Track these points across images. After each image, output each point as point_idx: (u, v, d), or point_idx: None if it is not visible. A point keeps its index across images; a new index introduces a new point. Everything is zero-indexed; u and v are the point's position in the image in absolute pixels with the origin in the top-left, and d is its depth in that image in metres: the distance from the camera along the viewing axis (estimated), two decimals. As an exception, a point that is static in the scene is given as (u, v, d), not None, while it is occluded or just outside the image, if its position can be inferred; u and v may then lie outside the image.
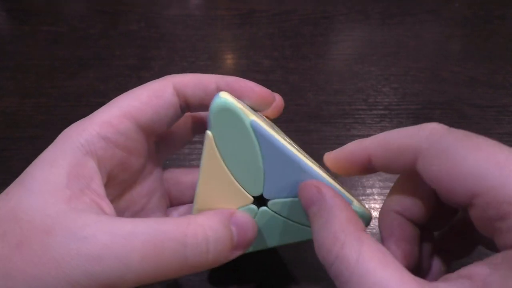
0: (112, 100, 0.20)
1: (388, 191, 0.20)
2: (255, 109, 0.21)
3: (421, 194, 0.18)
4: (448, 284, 0.14)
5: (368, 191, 0.32)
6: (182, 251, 0.17)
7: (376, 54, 0.46)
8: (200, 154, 0.20)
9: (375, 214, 0.31)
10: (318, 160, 0.20)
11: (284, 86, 0.42)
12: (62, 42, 0.47)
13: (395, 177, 0.20)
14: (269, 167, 0.19)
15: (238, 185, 0.20)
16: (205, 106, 0.21)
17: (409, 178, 0.19)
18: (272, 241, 0.22)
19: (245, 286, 0.27)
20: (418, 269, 0.19)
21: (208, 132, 0.19)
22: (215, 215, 0.19)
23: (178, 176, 0.25)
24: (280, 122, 0.24)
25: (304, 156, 0.19)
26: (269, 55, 0.46)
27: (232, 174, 0.20)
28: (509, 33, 0.49)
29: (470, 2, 0.54)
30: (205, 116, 0.25)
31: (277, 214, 0.20)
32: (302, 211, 0.18)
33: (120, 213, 0.21)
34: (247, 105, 0.20)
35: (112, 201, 0.19)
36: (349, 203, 0.17)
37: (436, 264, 0.20)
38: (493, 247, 0.15)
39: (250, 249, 0.20)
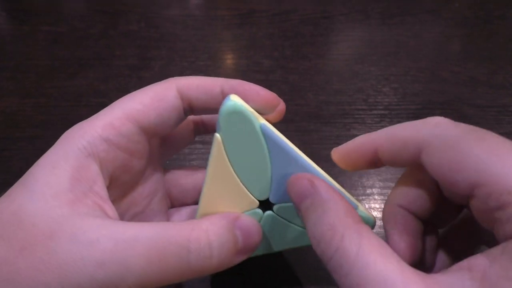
0: (115, 102, 0.20)
1: (388, 191, 0.20)
2: (259, 113, 0.21)
3: (425, 189, 0.18)
4: (447, 276, 0.14)
5: (368, 191, 0.32)
6: (185, 256, 0.17)
7: (376, 54, 0.46)
8: (200, 154, 0.20)
9: (375, 214, 0.31)
10: (318, 160, 0.20)
11: (284, 86, 0.42)
12: (62, 42, 0.47)
13: (395, 177, 0.20)
14: (277, 172, 0.19)
15: (245, 188, 0.20)
16: (209, 109, 0.21)
17: (413, 173, 0.19)
18: (277, 246, 0.21)
19: (244, 285, 0.27)
20: (421, 264, 0.19)
21: (217, 135, 0.19)
22: (219, 219, 0.18)
23: (179, 177, 0.25)
24: (280, 122, 0.24)
25: (313, 162, 0.19)
26: (269, 55, 0.46)
27: (239, 178, 0.19)
28: (509, 33, 0.49)
29: (470, 2, 0.54)
30: (206, 118, 0.25)
31: (283, 218, 0.20)
32: None
33: (121, 214, 0.21)
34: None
35: (114, 202, 0.19)
36: (343, 197, 0.17)
37: (440, 260, 0.20)
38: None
39: (255, 253, 0.20)
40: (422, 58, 0.46)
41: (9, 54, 0.46)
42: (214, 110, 0.21)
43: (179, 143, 0.25)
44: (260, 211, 0.20)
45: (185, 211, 0.25)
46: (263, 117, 0.22)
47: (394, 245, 0.18)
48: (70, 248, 0.15)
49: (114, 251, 0.15)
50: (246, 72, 0.44)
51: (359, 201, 0.20)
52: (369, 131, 0.19)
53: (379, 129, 0.19)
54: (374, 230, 0.27)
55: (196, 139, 0.27)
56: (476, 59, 0.45)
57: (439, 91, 0.42)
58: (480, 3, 0.54)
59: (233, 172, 0.19)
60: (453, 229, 0.21)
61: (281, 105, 0.21)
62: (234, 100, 0.18)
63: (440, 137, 0.16)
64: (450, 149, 0.15)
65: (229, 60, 0.46)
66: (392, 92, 0.41)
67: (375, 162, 0.19)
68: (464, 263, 0.14)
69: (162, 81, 0.21)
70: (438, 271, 0.19)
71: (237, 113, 0.18)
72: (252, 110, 0.19)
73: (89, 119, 0.19)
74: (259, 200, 0.20)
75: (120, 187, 0.21)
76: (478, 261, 0.14)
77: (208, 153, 0.20)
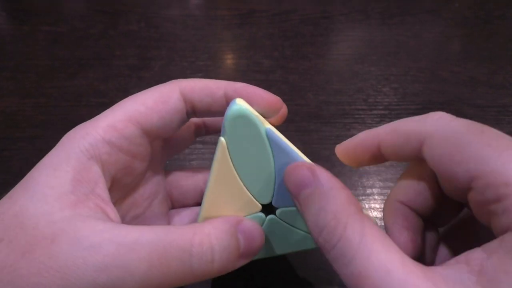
0: (117, 104, 0.20)
1: (388, 191, 0.20)
2: (262, 116, 0.21)
3: (425, 186, 0.19)
4: (445, 268, 0.14)
5: (368, 191, 0.32)
6: (187, 260, 0.16)
7: (376, 54, 0.46)
8: (200, 154, 0.20)
9: (375, 214, 0.31)
10: (319, 160, 0.20)
11: (284, 86, 0.42)
12: (62, 42, 0.47)
13: (395, 177, 0.20)
14: (281, 176, 0.19)
15: (248, 192, 0.20)
16: (211, 112, 0.21)
17: (414, 170, 0.19)
18: (279, 249, 0.21)
19: (244, 285, 0.27)
20: (421, 261, 0.19)
21: (222, 139, 0.19)
22: (221, 223, 0.18)
23: (180, 178, 0.25)
24: (280, 122, 0.24)
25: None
26: (269, 55, 0.46)
27: (242, 181, 0.19)
28: (509, 33, 0.49)
29: (470, 2, 0.54)
30: (208, 120, 0.25)
31: (285, 222, 0.20)
32: None
33: (122, 216, 0.21)
34: None
35: (115, 204, 0.19)
36: (344, 185, 0.17)
37: (440, 259, 0.20)
38: None
39: (257, 257, 0.20)
40: (422, 58, 0.46)
41: (9, 54, 0.46)
42: (217, 113, 0.21)
43: (180, 145, 0.25)
44: (262, 215, 0.20)
45: (186, 213, 0.25)
46: (265, 120, 0.22)
47: (394, 240, 0.18)
48: (72, 252, 0.15)
49: (116, 255, 0.15)
50: (246, 72, 0.44)
51: (359, 201, 0.20)
52: (369, 131, 0.19)
53: (379, 129, 0.19)
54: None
55: (196, 139, 0.27)
56: (476, 59, 0.45)
57: (439, 91, 0.42)
58: (480, 3, 0.54)
59: (236, 175, 0.19)
60: (453, 228, 0.21)
61: (284, 109, 0.21)
62: (240, 104, 0.18)
63: (441, 130, 0.16)
64: (451, 142, 0.16)
65: (229, 60, 0.46)
66: (392, 92, 0.41)
67: (378, 157, 0.19)
68: (462, 257, 0.14)
69: (165, 83, 0.21)
70: None
71: (243, 118, 0.18)
72: (257, 114, 0.19)
73: (91, 120, 0.19)
74: (261, 204, 0.20)
75: (121, 189, 0.21)
76: (476, 255, 0.14)
77: (208, 153, 0.20)
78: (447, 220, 0.20)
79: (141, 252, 0.16)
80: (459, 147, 0.15)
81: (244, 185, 0.20)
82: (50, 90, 0.41)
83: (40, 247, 0.15)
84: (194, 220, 0.24)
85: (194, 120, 0.25)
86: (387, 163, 0.34)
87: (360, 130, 0.39)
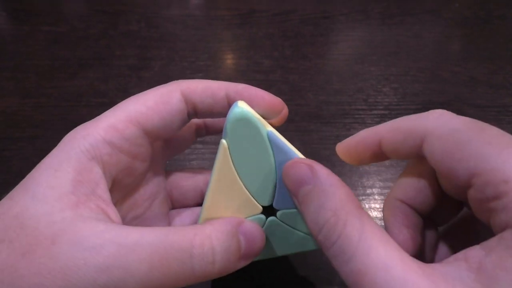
0: (118, 104, 0.20)
1: (388, 191, 0.20)
2: (263, 117, 0.21)
3: (425, 184, 0.19)
4: (444, 266, 0.14)
5: (368, 191, 0.33)
6: (188, 261, 0.16)
7: (376, 54, 0.46)
8: (200, 154, 0.20)
9: (375, 214, 0.31)
10: (319, 160, 0.20)
11: (284, 86, 0.42)
12: (62, 42, 0.47)
13: (395, 177, 0.20)
14: (281, 178, 0.19)
15: (249, 194, 0.20)
16: (213, 113, 0.21)
17: (414, 168, 0.19)
18: (279, 251, 0.22)
19: (244, 285, 0.27)
20: (420, 259, 0.20)
21: (223, 141, 0.19)
22: (222, 224, 0.18)
23: (180, 179, 0.25)
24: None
25: None
26: (269, 55, 0.46)
27: (243, 183, 0.19)
28: (509, 33, 0.49)
29: (470, 2, 0.54)
30: (208, 120, 0.25)
31: (286, 224, 0.20)
32: None
33: (123, 216, 0.21)
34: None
35: (115, 204, 0.19)
36: (343, 182, 0.17)
37: (439, 257, 0.20)
38: None
39: (258, 258, 0.20)
40: (422, 58, 0.46)
41: (9, 54, 0.46)
42: (218, 114, 0.21)
43: (181, 145, 0.25)
44: (263, 216, 0.20)
45: (186, 213, 0.25)
46: (266, 121, 0.22)
47: (393, 238, 0.18)
48: (72, 253, 0.15)
49: (117, 256, 0.15)
50: (246, 72, 0.44)
51: (359, 201, 0.20)
52: (369, 131, 0.19)
53: (379, 129, 0.19)
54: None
55: (197, 139, 0.27)
56: (476, 59, 0.45)
57: (439, 91, 0.42)
58: (480, 3, 0.54)
59: (237, 177, 0.19)
60: (452, 227, 0.21)
61: (285, 110, 0.21)
62: (242, 106, 0.18)
63: (442, 128, 0.16)
64: (451, 139, 0.16)
65: (229, 60, 0.46)
66: (392, 92, 0.41)
67: (378, 155, 0.19)
68: (461, 254, 0.14)
69: (167, 84, 0.21)
70: None
71: (245, 120, 0.18)
72: (259, 117, 0.19)
73: (91, 121, 0.19)
74: (262, 206, 0.20)
75: (122, 189, 0.21)
76: (474, 252, 0.14)
77: (209, 153, 0.20)
78: (446, 219, 0.20)
79: (142, 253, 0.16)
80: (459, 144, 0.15)
81: (245, 186, 0.20)
82: (50, 90, 0.41)
83: (41, 248, 0.15)
84: (195, 221, 0.24)
85: (195, 120, 0.24)
86: (387, 163, 0.34)
87: (360, 130, 0.39)
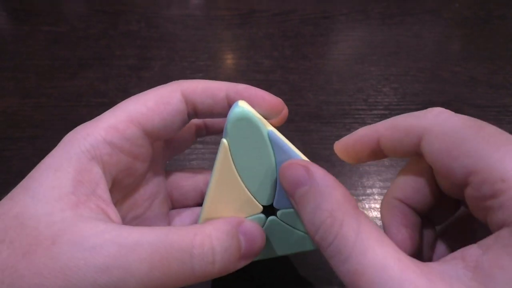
0: (118, 104, 0.20)
1: (388, 191, 0.20)
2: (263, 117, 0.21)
3: (423, 183, 0.19)
4: (441, 264, 0.14)
5: (368, 191, 0.33)
6: (188, 261, 0.17)
7: (376, 54, 0.46)
8: (200, 154, 0.20)
9: (375, 214, 0.31)
10: (319, 160, 0.20)
11: (284, 86, 0.42)
12: (62, 42, 0.47)
13: (395, 177, 0.20)
14: None
15: (249, 194, 0.20)
16: (213, 114, 0.21)
17: (412, 167, 0.19)
18: (280, 250, 0.22)
19: (244, 284, 0.27)
20: (418, 258, 0.20)
21: (224, 141, 0.19)
22: (222, 224, 0.18)
23: (180, 179, 0.25)
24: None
25: None
26: (269, 55, 0.46)
27: (244, 183, 0.20)
28: (509, 33, 0.49)
29: (470, 2, 0.54)
30: (208, 121, 0.25)
31: (286, 224, 0.20)
32: None
33: (123, 216, 0.21)
34: None
35: (115, 204, 0.19)
36: (340, 183, 0.17)
37: (437, 256, 0.20)
38: None
39: (258, 258, 0.20)
40: (422, 58, 0.46)
41: (9, 54, 0.46)
42: (219, 114, 0.21)
43: (181, 145, 0.25)
44: (263, 216, 0.20)
45: (186, 213, 0.25)
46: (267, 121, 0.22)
47: (391, 237, 0.18)
48: (73, 253, 0.15)
49: (117, 256, 0.15)
50: (246, 72, 0.44)
51: (359, 201, 0.20)
52: (369, 131, 0.19)
53: (379, 129, 0.19)
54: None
55: (197, 139, 0.27)
56: (476, 59, 0.45)
57: (439, 91, 0.42)
58: (480, 3, 0.54)
59: (238, 177, 0.19)
60: (450, 226, 0.21)
61: (285, 110, 0.21)
62: (243, 106, 0.18)
63: (440, 125, 0.16)
64: (448, 137, 0.16)
65: (229, 60, 0.46)
66: (392, 92, 0.41)
67: (377, 153, 0.19)
68: (458, 253, 0.15)
69: (167, 84, 0.21)
70: None
71: (245, 120, 0.18)
72: (259, 116, 0.19)
73: (92, 121, 0.19)
74: (262, 205, 0.20)
75: (122, 189, 0.21)
76: (471, 251, 0.14)
77: (209, 153, 0.20)
78: (444, 218, 0.20)
79: (142, 253, 0.16)
80: (457, 142, 0.15)
81: (246, 186, 0.20)
82: (50, 90, 0.41)
83: (41, 248, 0.15)
84: (195, 221, 0.24)
85: (195, 120, 0.24)
86: (387, 163, 0.34)
87: (360, 130, 0.39)
